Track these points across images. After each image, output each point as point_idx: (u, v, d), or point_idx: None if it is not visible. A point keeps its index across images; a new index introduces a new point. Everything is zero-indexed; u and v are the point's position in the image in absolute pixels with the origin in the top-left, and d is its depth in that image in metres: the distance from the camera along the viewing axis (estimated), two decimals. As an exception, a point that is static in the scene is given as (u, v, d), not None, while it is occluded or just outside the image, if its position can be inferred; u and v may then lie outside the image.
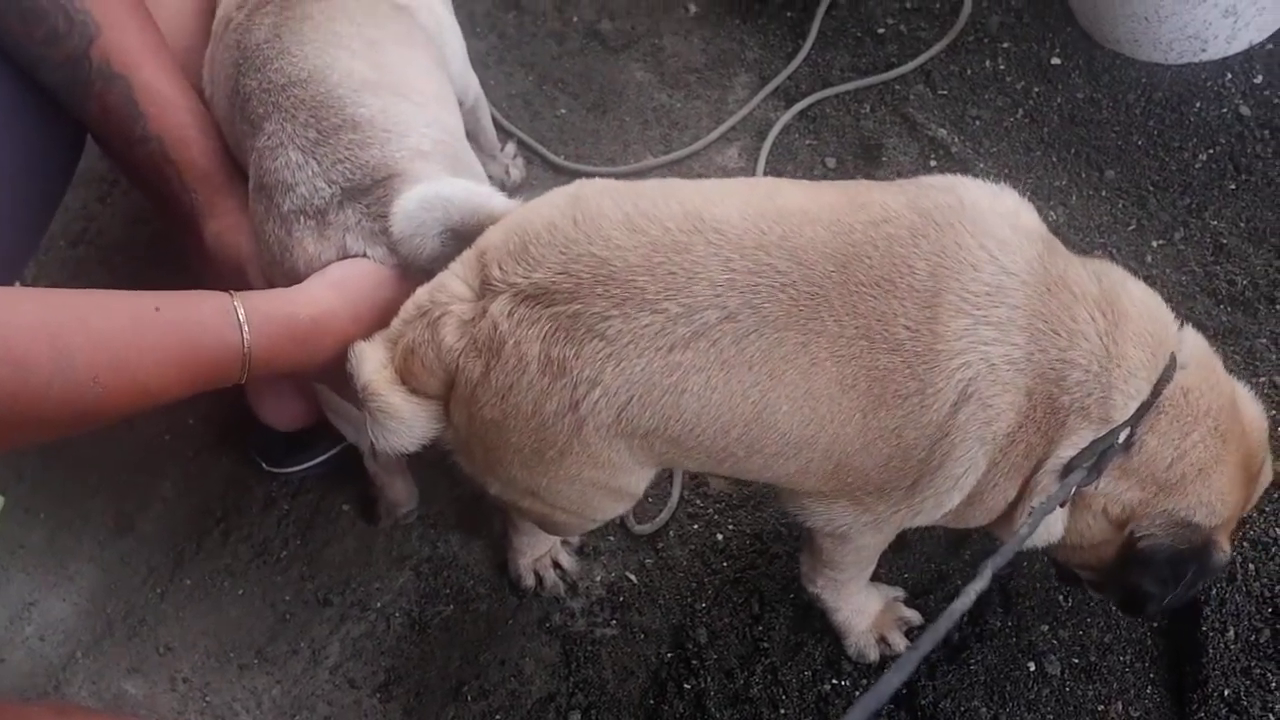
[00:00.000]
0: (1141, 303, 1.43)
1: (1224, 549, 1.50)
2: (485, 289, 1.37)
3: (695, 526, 2.02)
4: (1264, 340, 1.95)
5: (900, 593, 1.89)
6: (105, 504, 2.18)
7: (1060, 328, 1.37)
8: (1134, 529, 1.49)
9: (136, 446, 2.21)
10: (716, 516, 2.02)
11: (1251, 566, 1.78)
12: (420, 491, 2.10)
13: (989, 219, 1.39)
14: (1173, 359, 1.43)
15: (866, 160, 2.31)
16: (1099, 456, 1.41)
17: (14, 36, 1.65)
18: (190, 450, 2.22)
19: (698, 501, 2.04)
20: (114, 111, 1.69)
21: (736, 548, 1.99)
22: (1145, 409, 1.41)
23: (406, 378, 1.42)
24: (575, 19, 2.64)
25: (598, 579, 2.00)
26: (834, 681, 1.83)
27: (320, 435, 2.08)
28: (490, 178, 1.86)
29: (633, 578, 1.99)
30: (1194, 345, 1.48)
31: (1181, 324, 1.49)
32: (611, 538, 2.02)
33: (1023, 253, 1.38)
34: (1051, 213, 1.45)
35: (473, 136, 1.97)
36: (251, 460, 2.16)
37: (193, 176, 1.74)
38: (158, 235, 2.34)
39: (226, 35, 1.75)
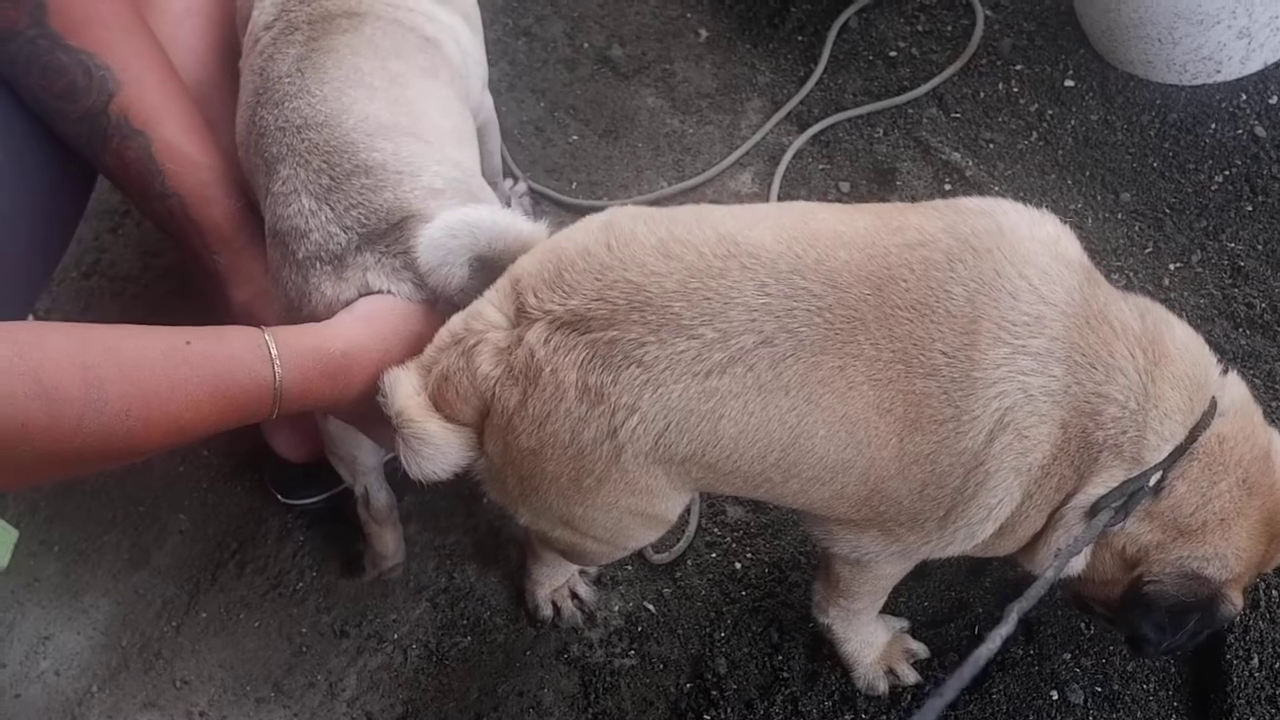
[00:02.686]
0: (1184, 344, 1.43)
1: (1234, 602, 1.48)
2: (520, 317, 1.36)
3: (713, 555, 2.01)
4: (1285, 364, 1.95)
5: (906, 624, 1.88)
6: (120, 537, 2.16)
7: (1098, 361, 1.36)
8: (1143, 572, 1.48)
9: (152, 479, 2.19)
10: (734, 545, 2.01)
11: (1275, 593, 1.77)
12: (434, 522, 2.09)
13: (1028, 246, 1.38)
14: (1212, 404, 1.42)
15: (880, 184, 2.31)
16: (1128, 498, 1.40)
17: (32, 90, 1.65)
18: (205, 482, 2.20)
19: (715, 530, 2.03)
20: (133, 166, 1.69)
21: (755, 576, 1.98)
22: (1179, 453, 1.40)
23: (440, 405, 1.40)
24: (586, 45, 2.64)
25: (616, 609, 1.98)
26: (854, 713, 1.82)
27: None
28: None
29: (651, 608, 1.97)
30: (1236, 392, 1.48)
31: (1225, 369, 1.48)
32: (629, 567, 2.01)
33: (1063, 282, 1.37)
34: (1069, 226, 1.46)
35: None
36: (266, 492, 2.15)
37: (215, 239, 1.74)
38: (171, 266, 2.33)
39: (253, 56, 1.75)
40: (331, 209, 1.56)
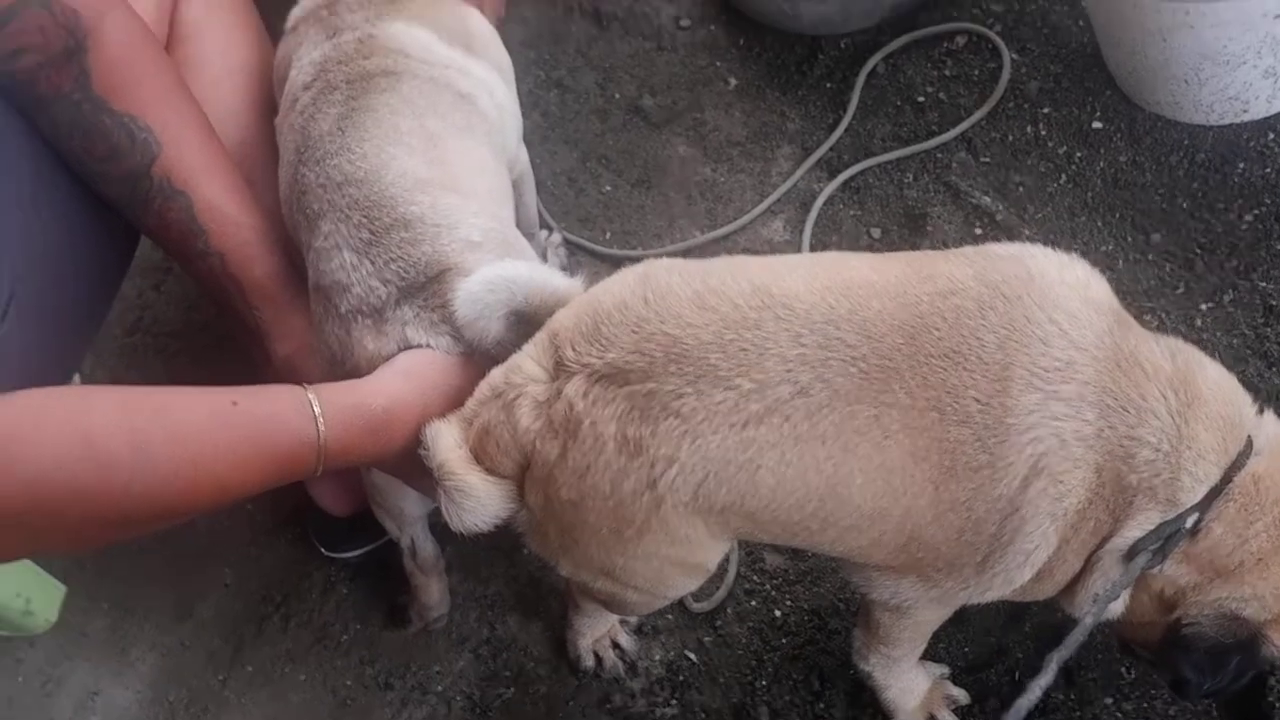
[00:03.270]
0: (1216, 385, 1.43)
1: (1275, 643, 1.47)
2: (559, 370, 1.38)
3: (753, 603, 2.01)
4: (1321, 403, 1.95)
5: (946, 670, 1.89)
6: (166, 591, 2.19)
7: (1129, 404, 1.37)
8: (1181, 614, 1.48)
9: (196, 533, 2.21)
10: (774, 592, 2.02)
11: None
12: (475, 573, 2.11)
13: (1058, 291, 1.39)
14: (1248, 444, 1.42)
15: (911, 229, 2.33)
16: (1165, 540, 1.41)
17: (76, 153, 1.69)
18: (249, 536, 2.23)
19: (754, 578, 2.03)
20: (175, 227, 1.73)
21: (795, 624, 1.98)
22: (1214, 494, 1.40)
23: (481, 458, 1.42)
24: (617, 96, 2.67)
25: (657, 658, 1.99)
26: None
27: (378, 520, 2.09)
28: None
29: (692, 656, 1.98)
30: (1271, 431, 1.48)
31: (1260, 408, 1.49)
32: (670, 616, 2.02)
33: (1093, 326, 1.38)
34: (1098, 270, 1.47)
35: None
36: (310, 546, 2.17)
37: (257, 295, 1.77)
38: (212, 321, 2.36)
39: (293, 115, 1.78)
40: (372, 263, 1.59)
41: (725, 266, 1.43)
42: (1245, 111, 2.22)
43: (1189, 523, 1.41)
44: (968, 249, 1.50)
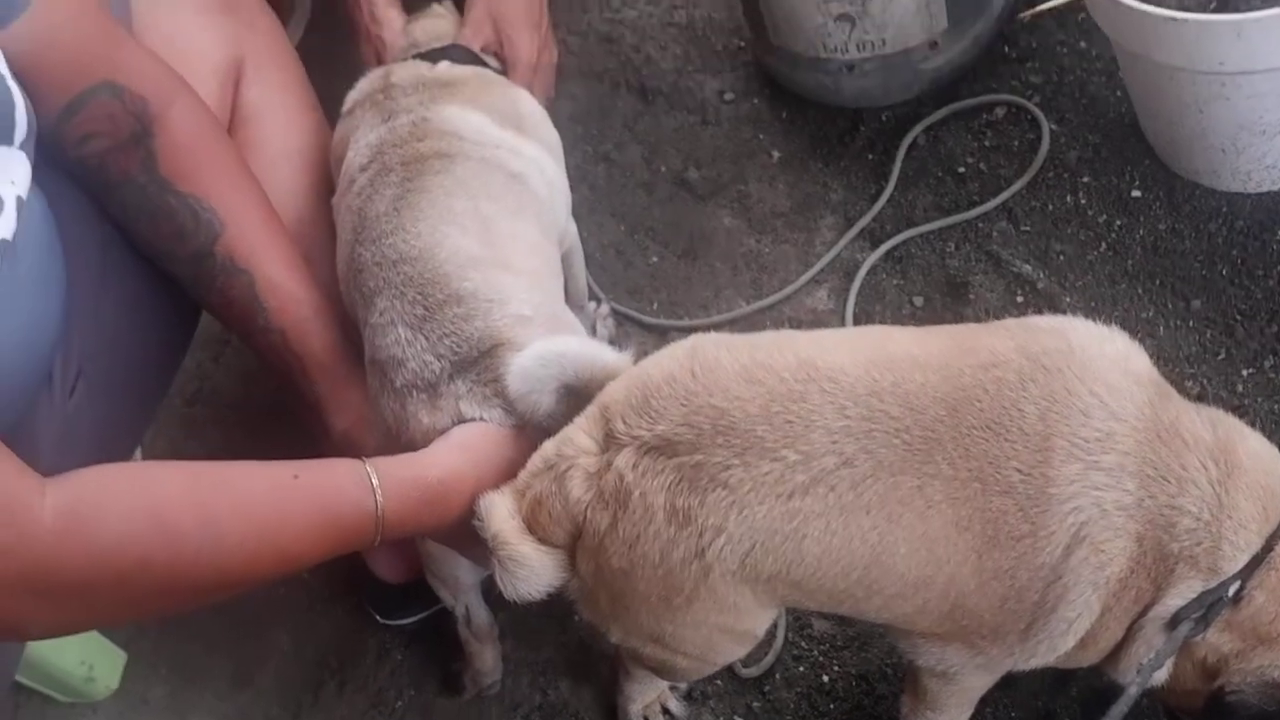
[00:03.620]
0: (1257, 454, 1.46)
1: None
2: (610, 442, 1.42)
3: (801, 668, 2.03)
4: (1362, 468, 1.96)
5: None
6: (224, 658, 2.23)
7: (1170, 474, 1.39)
8: (1224, 682, 1.49)
9: (254, 601, 2.24)
10: (821, 658, 2.03)
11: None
12: (527, 639, 2.13)
13: (1098, 364, 1.42)
14: None
15: (954, 298, 2.35)
16: (1207, 609, 1.42)
17: (142, 233, 1.74)
18: (305, 603, 2.26)
19: (802, 643, 2.05)
20: (237, 303, 1.78)
21: (843, 689, 2.00)
22: (1256, 563, 1.42)
23: (533, 528, 1.46)
24: (663, 169, 2.72)
25: (707, 723, 2.01)
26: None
27: (430, 587, 2.12)
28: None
29: (741, 721, 2.00)
30: None
31: None
32: (719, 682, 2.03)
33: (1133, 398, 1.41)
34: (1140, 344, 1.49)
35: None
36: (365, 613, 2.21)
37: (316, 369, 1.82)
38: (270, 393, 2.40)
39: (349, 197, 1.84)
40: (426, 338, 1.64)
41: (771, 340, 1.47)
42: (1283, 179, 2.25)
43: (1231, 591, 1.42)
44: (1009, 321, 1.54)
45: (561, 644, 2.13)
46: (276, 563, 1.39)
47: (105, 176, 1.72)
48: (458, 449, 1.55)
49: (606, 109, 2.86)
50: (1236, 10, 1.95)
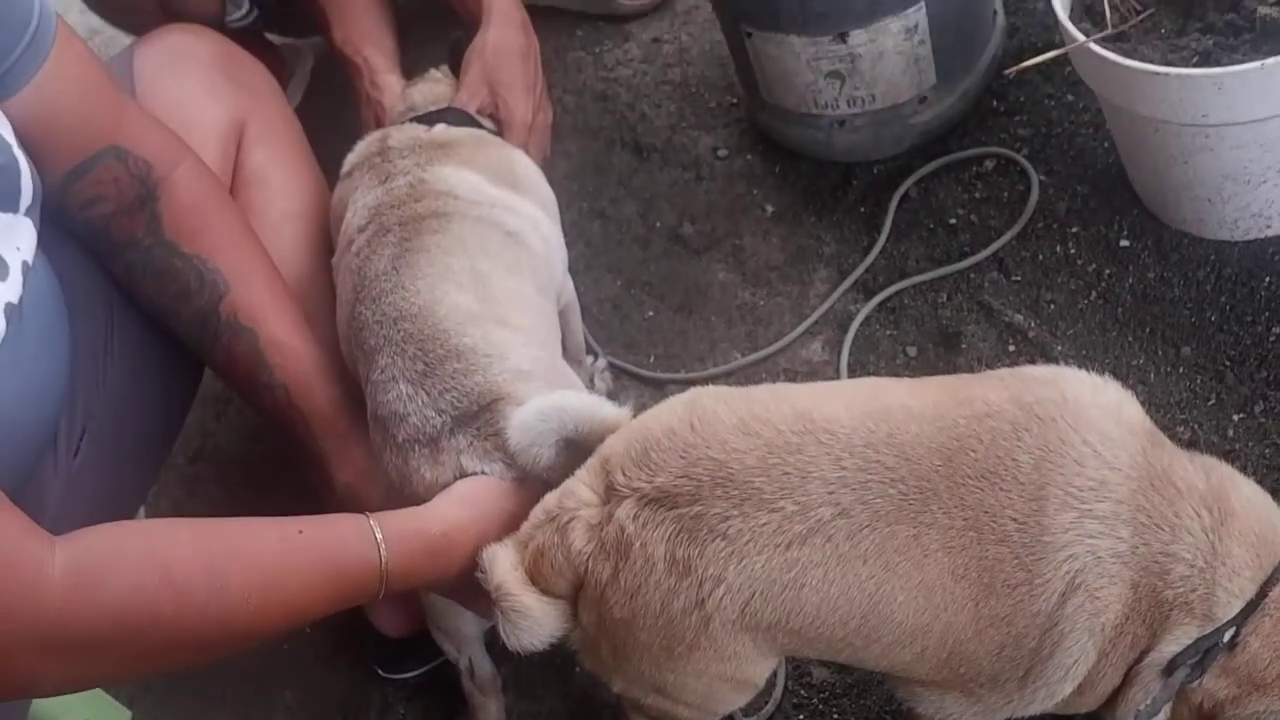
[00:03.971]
0: (1250, 501, 1.48)
1: None
2: (610, 494, 1.44)
3: (801, 717, 2.03)
4: (1353, 511, 1.97)
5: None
6: (228, 715, 2.23)
7: (1164, 522, 1.41)
8: None
9: (258, 657, 2.26)
10: (821, 706, 2.04)
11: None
12: (530, 691, 2.14)
13: (1091, 413, 1.45)
14: None
15: (946, 348, 2.38)
16: (1203, 655, 1.44)
17: (148, 294, 1.78)
18: (309, 658, 2.27)
19: (802, 691, 2.06)
20: (241, 361, 1.81)
21: (843, 736, 2.01)
22: (1251, 609, 1.44)
23: (536, 579, 1.48)
24: (658, 224, 2.75)
25: (708, 772, 2.02)
26: None
27: (433, 641, 2.13)
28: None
29: (742, 769, 2.01)
30: None
31: None
32: (719, 730, 2.05)
33: (1126, 447, 1.43)
34: (1131, 391, 1.52)
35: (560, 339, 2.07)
36: (368, 667, 2.22)
37: (319, 425, 1.85)
38: (273, 450, 2.43)
39: (349, 257, 1.87)
40: (427, 393, 1.66)
41: (768, 393, 1.50)
42: (1269, 227, 2.27)
43: (1226, 637, 1.44)
44: (1002, 371, 1.56)
45: (564, 695, 2.14)
46: (283, 616, 1.41)
47: (110, 239, 1.75)
48: (460, 502, 1.58)
49: (602, 166, 2.90)
50: (1218, 64, 1.99)
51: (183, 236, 1.78)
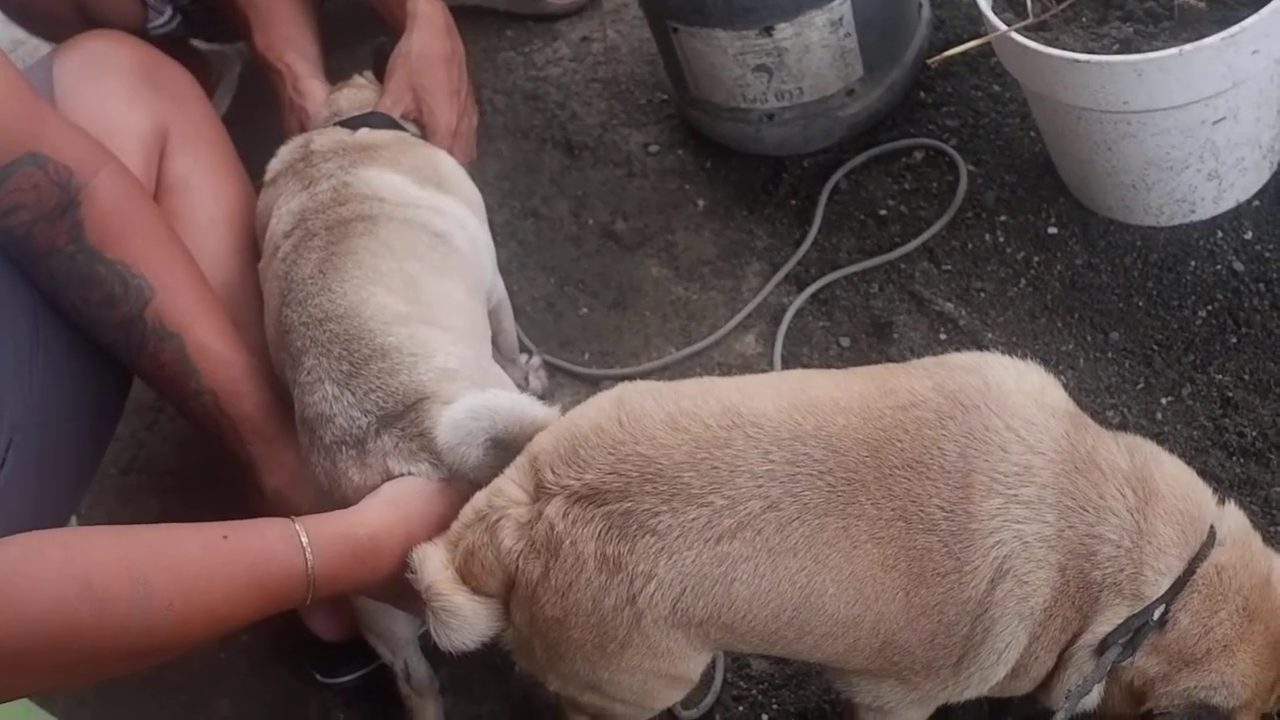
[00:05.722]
0: (1173, 479, 1.49)
1: None
2: (540, 492, 1.44)
3: (740, 708, 2.04)
4: (1279, 489, 2.01)
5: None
6: (167, 726, 2.22)
7: (1088, 504, 1.43)
8: (1153, 705, 1.52)
9: (193, 667, 2.24)
10: (760, 697, 2.05)
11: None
12: (469, 693, 2.14)
13: (1015, 399, 1.46)
14: (1211, 535, 1.48)
15: (879, 338, 2.39)
16: (1134, 633, 1.46)
17: (72, 302, 1.76)
18: (246, 667, 2.26)
19: (741, 683, 2.06)
20: (169, 368, 1.79)
21: (782, 727, 2.02)
22: (1179, 586, 1.45)
23: (467, 579, 1.48)
24: (591, 221, 2.75)
25: (649, 767, 2.02)
26: None
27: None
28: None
29: (683, 763, 2.01)
30: (1233, 521, 1.53)
31: (1222, 498, 1.55)
32: (661, 726, 2.05)
33: (1049, 431, 1.45)
34: (1061, 377, 1.52)
35: (493, 338, 2.06)
36: (305, 673, 2.20)
37: (248, 430, 1.83)
38: (205, 458, 2.40)
39: (275, 263, 1.85)
40: (352, 394, 1.66)
41: (696, 388, 1.50)
42: (1193, 212, 2.30)
43: (1156, 615, 1.46)
44: (927, 360, 1.57)
45: (503, 696, 2.13)
46: (207, 624, 1.40)
47: (32, 247, 1.73)
48: (387, 505, 1.57)
49: (533, 165, 2.90)
50: (1138, 51, 2.01)
51: (106, 243, 1.76)
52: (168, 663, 1.38)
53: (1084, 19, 2.14)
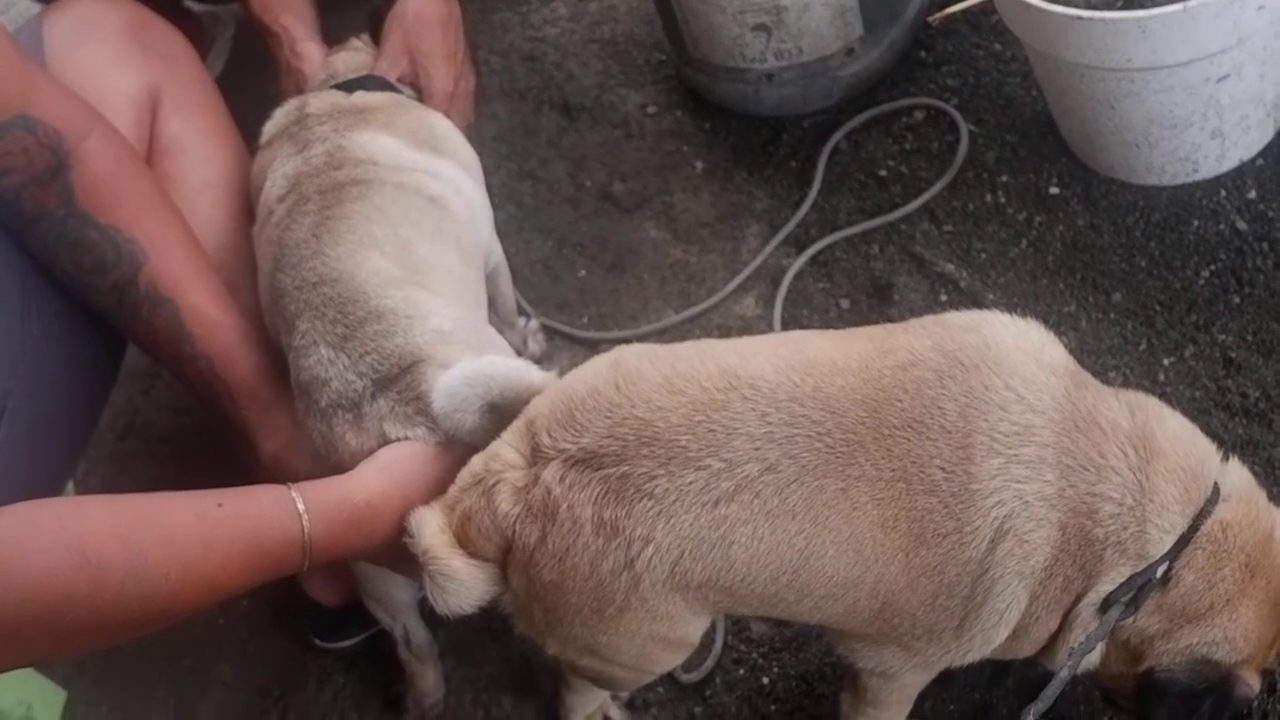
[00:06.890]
0: (1176, 436, 1.48)
1: (1249, 683, 1.51)
2: (536, 456, 1.43)
3: (741, 672, 2.04)
4: (1281, 450, 2.00)
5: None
6: (166, 692, 2.21)
7: (1089, 463, 1.41)
8: (1154, 662, 1.51)
9: (194, 633, 2.24)
10: (761, 660, 2.04)
11: (1294, 676, 1.79)
12: (468, 657, 2.13)
13: (1014, 357, 1.44)
14: (1215, 492, 1.47)
15: (879, 299, 2.38)
16: (1137, 591, 1.45)
17: (64, 267, 1.74)
18: (245, 633, 2.26)
19: (741, 647, 2.06)
20: (162, 333, 1.78)
21: (783, 690, 2.01)
22: (1183, 544, 1.44)
23: (464, 543, 1.47)
24: (588, 183, 2.74)
25: (649, 731, 2.02)
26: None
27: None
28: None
29: (684, 727, 2.01)
30: (1238, 478, 1.52)
31: (1226, 456, 1.53)
32: (660, 689, 2.04)
33: (1049, 390, 1.43)
34: (1063, 338, 1.51)
35: (491, 301, 2.05)
36: (305, 638, 2.20)
37: (243, 395, 1.82)
38: (201, 423, 2.40)
39: (269, 227, 1.84)
40: (348, 356, 1.65)
41: (693, 350, 1.49)
42: (1196, 171, 2.28)
43: (1159, 572, 1.45)
44: (926, 319, 1.55)
45: (503, 660, 2.13)
46: (203, 592, 1.39)
47: (22, 211, 1.71)
48: (383, 470, 1.56)
49: (531, 127, 2.88)
50: (1142, 7, 1.98)
51: (98, 207, 1.74)
52: (166, 629, 1.38)
53: (1086, -25, 2.12)
